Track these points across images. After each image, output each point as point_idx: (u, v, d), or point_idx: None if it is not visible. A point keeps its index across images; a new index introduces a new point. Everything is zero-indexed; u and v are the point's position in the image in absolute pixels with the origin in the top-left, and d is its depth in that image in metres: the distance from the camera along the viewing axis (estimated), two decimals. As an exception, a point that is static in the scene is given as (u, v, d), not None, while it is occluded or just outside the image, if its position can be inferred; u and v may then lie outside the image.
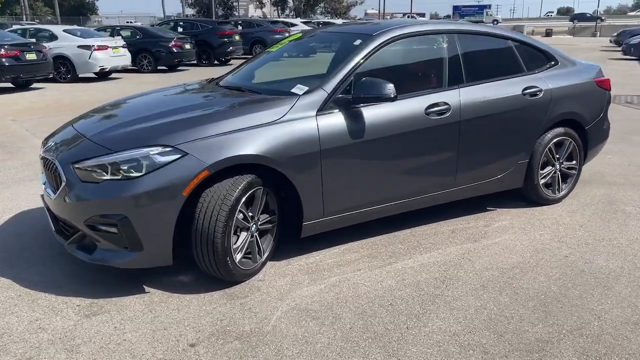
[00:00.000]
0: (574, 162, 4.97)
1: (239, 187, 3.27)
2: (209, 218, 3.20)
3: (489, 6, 68.02)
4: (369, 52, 3.89)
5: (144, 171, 3.12)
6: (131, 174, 3.12)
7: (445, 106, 4.04)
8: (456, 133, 4.12)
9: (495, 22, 40.50)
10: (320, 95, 3.64)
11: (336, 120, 3.62)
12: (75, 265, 3.73)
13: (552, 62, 4.87)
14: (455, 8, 67.76)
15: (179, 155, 3.18)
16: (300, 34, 4.80)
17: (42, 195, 3.88)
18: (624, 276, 3.55)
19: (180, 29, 21.60)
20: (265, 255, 3.63)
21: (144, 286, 3.45)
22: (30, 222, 4.57)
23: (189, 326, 3.01)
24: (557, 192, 4.94)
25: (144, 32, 19.28)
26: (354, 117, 3.68)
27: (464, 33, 4.43)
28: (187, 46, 19.19)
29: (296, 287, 3.44)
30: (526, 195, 4.86)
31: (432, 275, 3.57)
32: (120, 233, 3.15)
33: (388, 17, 65.29)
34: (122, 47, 16.85)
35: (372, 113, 3.73)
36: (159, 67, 19.09)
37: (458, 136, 4.14)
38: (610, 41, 32.71)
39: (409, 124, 3.89)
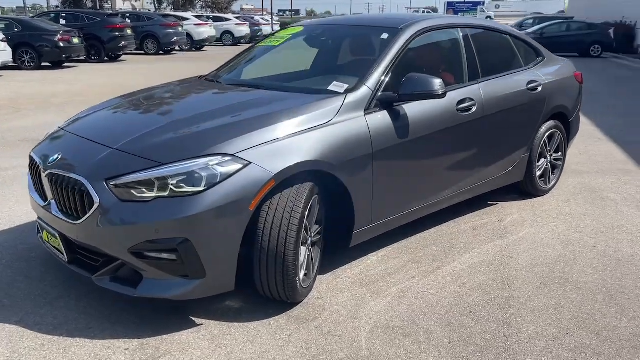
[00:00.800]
0: (560, 153, 5.16)
1: (304, 197, 2.92)
2: (276, 233, 2.82)
3: (483, 2, 67.97)
4: (402, 47, 3.68)
5: (203, 185, 2.66)
6: (187, 190, 2.65)
7: (471, 102, 3.96)
8: (480, 128, 4.06)
9: (489, 19, 41.41)
10: (365, 93, 3.37)
11: (383, 119, 3.39)
12: (87, 299, 3.13)
13: (541, 58, 5.00)
14: (450, 4, 67.09)
15: (241, 165, 2.76)
16: (301, 28, 4.45)
17: (38, 221, 3.21)
18: (658, 262, 3.70)
19: (62, 21, 19.69)
20: (316, 269, 3.31)
21: (192, 318, 2.97)
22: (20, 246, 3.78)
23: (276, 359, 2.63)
24: (548, 183, 5.09)
25: (23, 25, 17.26)
26: (398, 116, 3.47)
27: (475, 27, 4.39)
28: (76, 40, 17.54)
29: (362, 302, 3.16)
30: (524, 187, 4.95)
31: (488, 277, 3.47)
32: (181, 259, 2.67)
33: (265, 13, 64.63)
34: (1, 40, 14.99)
35: (413, 111, 3.54)
36: (42, 64, 17.25)
37: (482, 132, 4.09)
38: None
39: (445, 121, 3.76)
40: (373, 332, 2.86)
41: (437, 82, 3.37)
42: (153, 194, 2.65)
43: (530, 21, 31.03)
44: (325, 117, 3.15)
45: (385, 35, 3.80)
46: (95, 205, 2.72)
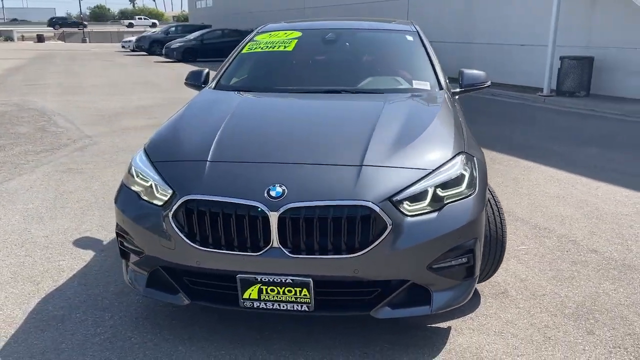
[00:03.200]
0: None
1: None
2: (495, 218, 3.06)
3: None
4: (426, 46, 4.16)
5: (465, 183, 2.72)
6: (461, 190, 2.68)
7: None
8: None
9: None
10: (444, 89, 3.77)
11: (459, 107, 3.82)
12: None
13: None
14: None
15: (471, 161, 2.92)
16: (300, 33, 4.31)
17: (242, 277, 2.53)
18: None
19: None
20: None
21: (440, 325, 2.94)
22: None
23: None
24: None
25: None
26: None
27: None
28: None
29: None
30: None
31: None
32: (473, 259, 2.67)
33: None
34: None
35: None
36: None
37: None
38: (123, 46, 34.86)
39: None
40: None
41: (485, 75, 4.02)
42: (427, 203, 2.56)
43: (174, 29, 32.26)
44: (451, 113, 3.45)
45: (410, 37, 4.18)
46: (388, 229, 2.45)
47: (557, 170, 6.02)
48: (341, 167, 2.62)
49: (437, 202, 2.55)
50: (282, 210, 2.42)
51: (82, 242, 4.05)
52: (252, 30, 4.37)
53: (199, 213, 2.52)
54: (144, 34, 33.12)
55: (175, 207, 2.55)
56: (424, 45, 4.09)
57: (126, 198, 2.82)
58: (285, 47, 4.13)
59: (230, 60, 4.18)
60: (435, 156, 2.73)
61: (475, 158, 2.90)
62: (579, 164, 6.24)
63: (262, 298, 2.54)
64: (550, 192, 5.21)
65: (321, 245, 2.45)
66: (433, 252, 2.51)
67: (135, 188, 2.79)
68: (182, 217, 2.55)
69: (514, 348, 2.71)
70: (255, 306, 2.57)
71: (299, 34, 4.27)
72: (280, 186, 2.49)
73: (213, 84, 3.96)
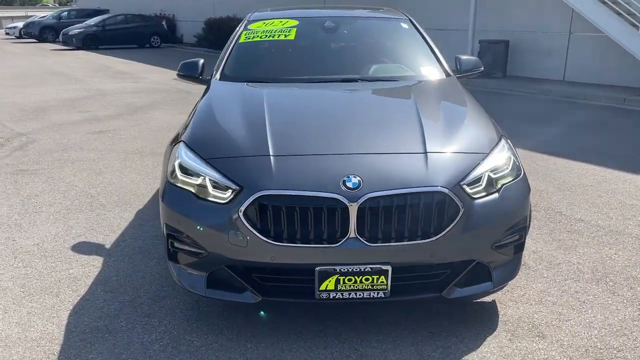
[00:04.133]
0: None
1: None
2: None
3: None
4: (422, 33, 4.31)
5: (512, 165, 2.89)
6: (510, 172, 2.84)
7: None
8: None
9: None
10: (450, 75, 3.95)
11: None
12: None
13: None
14: None
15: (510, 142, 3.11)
16: (297, 22, 4.25)
17: (321, 269, 2.53)
18: None
19: None
20: None
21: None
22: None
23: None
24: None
25: None
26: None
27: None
28: None
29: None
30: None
31: None
32: (522, 236, 2.86)
33: None
34: None
35: None
36: None
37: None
38: (7, 33, 32.22)
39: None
40: (561, 253, 3.71)
41: (478, 60, 4.24)
42: (485, 185, 2.71)
43: (66, 13, 30.19)
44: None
45: (405, 25, 4.30)
46: (460, 212, 2.56)
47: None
48: (408, 154, 2.69)
49: (494, 185, 2.69)
50: (361, 200, 2.45)
51: (82, 248, 3.79)
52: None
53: (274, 208, 2.48)
54: (32, 20, 30.59)
55: (247, 203, 2.49)
56: (420, 33, 4.22)
57: (178, 196, 2.70)
58: (285, 35, 4.08)
59: (229, 51, 4.05)
60: (485, 140, 2.88)
61: (509, 140, 3.08)
62: (527, 142, 6.71)
63: (338, 288, 2.56)
64: (518, 169, 5.57)
65: (398, 232, 2.51)
66: (497, 232, 2.66)
67: (188, 186, 2.68)
68: (254, 213, 2.50)
69: (559, 314, 2.94)
70: (331, 297, 2.58)
71: (295, 22, 4.23)
72: (355, 177, 2.51)
73: (218, 75, 3.83)
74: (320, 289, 2.56)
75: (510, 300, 3.08)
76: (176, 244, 2.72)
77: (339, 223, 2.48)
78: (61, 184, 5.19)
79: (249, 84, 3.68)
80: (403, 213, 2.49)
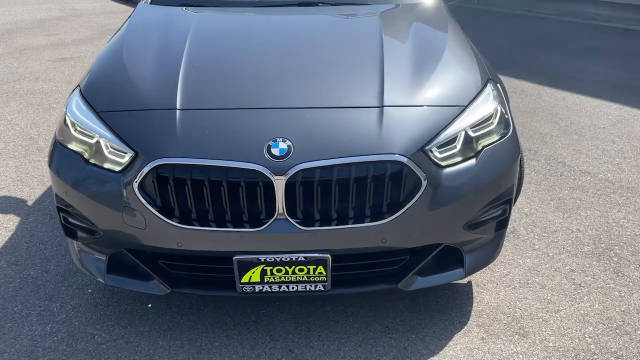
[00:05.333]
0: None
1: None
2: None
3: None
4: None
5: (498, 119, 2.25)
6: (495, 129, 2.20)
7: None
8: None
9: None
10: None
11: None
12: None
13: None
14: None
15: (499, 87, 2.45)
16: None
17: (240, 259, 1.98)
18: None
19: None
20: None
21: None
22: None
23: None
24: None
25: None
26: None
27: None
28: None
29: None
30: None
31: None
32: (506, 211, 2.26)
33: None
34: None
35: None
36: None
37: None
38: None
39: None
40: (559, 216, 3.12)
41: None
42: (461, 148, 2.08)
43: None
44: None
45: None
46: (423, 186, 1.96)
47: (517, 80, 5.70)
48: (357, 110, 2.06)
49: (473, 147, 2.07)
50: (290, 173, 1.85)
51: (0, 204, 3.26)
52: None
53: (176, 181, 1.89)
54: None
55: (141, 174, 1.90)
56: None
57: (65, 161, 2.12)
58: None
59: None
60: (466, 87, 2.23)
61: (499, 85, 2.42)
62: (534, 71, 5.94)
63: (265, 281, 2.03)
64: (520, 107, 4.89)
65: (340, 213, 1.93)
66: (473, 208, 2.08)
67: (77, 147, 2.09)
68: (152, 187, 1.92)
69: (547, 302, 2.41)
70: (257, 290, 2.05)
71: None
72: (284, 141, 1.90)
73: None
74: (243, 281, 2.02)
75: (489, 282, 2.54)
76: (70, 219, 2.17)
77: (262, 202, 1.90)
78: (2, 121, 4.61)
79: (187, 8, 2.98)
80: (346, 188, 1.90)
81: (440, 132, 2.02)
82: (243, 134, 1.95)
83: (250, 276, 2.01)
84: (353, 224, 1.94)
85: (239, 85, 2.18)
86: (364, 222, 1.95)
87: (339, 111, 2.04)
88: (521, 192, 3.22)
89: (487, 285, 2.51)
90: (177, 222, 1.93)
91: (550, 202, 3.25)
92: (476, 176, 2.05)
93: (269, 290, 2.05)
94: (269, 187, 1.87)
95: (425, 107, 2.09)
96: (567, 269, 2.63)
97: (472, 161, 2.06)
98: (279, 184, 1.85)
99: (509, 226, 2.73)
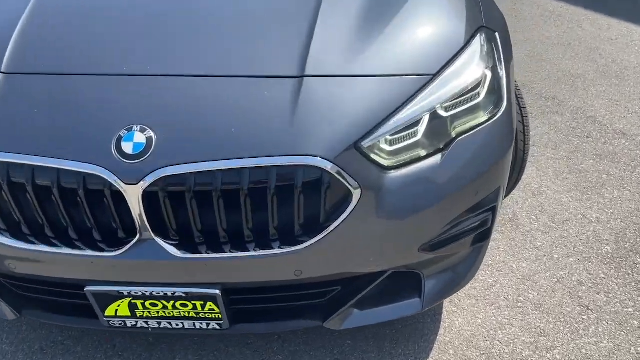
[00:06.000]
0: None
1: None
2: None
3: None
4: None
5: (486, 92, 1.53)
6: (477, 107, 1.51)
7: None
8: None
9: None
10: None
11: None
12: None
13: None
14: None
15: (498, 39, 1.71)
16: None
17: (94, 291, 1.42)
18: None
19: None
20: None
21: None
22: None
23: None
24: None
25: None
26: None
27: None
28: None
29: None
30: None
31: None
32: (488, 221, 1.61)
33: None
34: None
35: None
36: None
37: None
38: None
39: None
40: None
41: None
42: (421, 137, 1.40)
43: None
44: None
45: None
46: (354, 200, 1.32)
47: (554, 1, 4.73)
48: (261, 81, 1.38)
49: (446, 133, 1.40)
50: (149, 180, 1.23)
51: None
52: None
53: (-6, 185, 1.31)
54: None
55: (-53, 172, 1.31)
56: None
57: None
58: None
59: None
60: (437, 45, 1.52)
61: (497, 35, 1.68)
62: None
63: (138, 315, 1.48)
64: (552, 37, 4.01)
65: (233, 234, 1.34)
66: (434, 226, 1.45)
67: None
68: (-37, 189, 1.33)
69: (539, 334, 1.82)
70: (130, 325, 1.51)
71: None
72: (142, 131, 1.28)
73: None
74: (107, 314, 1.48)
75: (467, 296, 1.95)
76: None
77: (114, 217, 1.30)
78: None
79: None
80: (236, 203, 1.28)
81: (389, 116, 1.36)
82: (85, 117, 1.32)
83: (116, 309, 1.47)
84: (253, 250, 1.34)
85: (98, 43, 1.50)
86: (269, 249, 1.35)
87: (234, 82, 1.37)
88: (533, 159, 2.55)
89: (463, 302, 1.92)
90: (4, 238, 1.36)
91: (567, 175, 2.55)
92: (439, 183, 1.41)
93: (145, 325, 1.51)
94: (119, 198, 1.26)
95: (368, 77, 1.40)
96: (573, 281, 2.00)
97: (437, 158, 1.40)
98: (133, 194, 1.25)
99: (509, 208, 2.12)
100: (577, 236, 2.21)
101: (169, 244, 1.33)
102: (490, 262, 2.08)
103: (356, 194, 1.31)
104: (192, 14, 1.55)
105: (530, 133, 2.85)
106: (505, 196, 2.13)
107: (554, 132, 2.88)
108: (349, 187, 1.30)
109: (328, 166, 1.26)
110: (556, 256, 2.11)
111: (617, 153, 2.71)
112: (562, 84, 3.35)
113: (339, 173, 1.28)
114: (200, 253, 1.34)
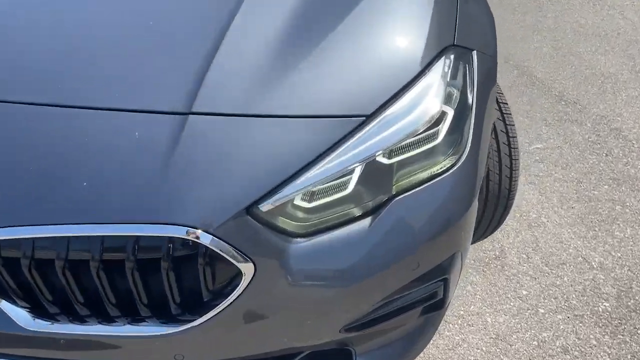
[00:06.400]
0: None
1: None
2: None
3: None
4: None
5: (444, 131, 1.18)
6: (429, 147, 1.16)
7: None
8: None
9: None
10: None
11: None
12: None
13: None
14: None
15: (474, 59, 1.35)
16: None
17: None
18: None
19: None
20: None
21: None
22: None
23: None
24: None
25: None
26: None
27: None
28: None
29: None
30: None
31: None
32: (440, 292, 1.29)
33: None
34: None
35: None
36: None
37: None
38: None
39: None
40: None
41: None
42: (349, 193, 1.08)
43: None
44: None
45: None
46: (245, 280, 1.02)
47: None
48: (131, 116, 1.07)
49: (380, 189, 1.10)
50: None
51: None
52: None
53: None
54: None
55: None
56: None
57: None
58: None
59: None
60: (378, 73, 1.17)
61: (474, 55, 1.32)
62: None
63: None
64: (587, 24, 3.52)
65: (96, 307, 1.07)
66: (356, 306, 1.15)
67: None
68: None
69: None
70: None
71: None
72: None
73: None
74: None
75: (424, 356, 1.65)
76: None
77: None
78: None
79: None
80: (87, 277, 1.01)
81: (302, 169, 1.04)
82: None
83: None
84: (121, 326, 1.08)
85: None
86: (141, 326, 1.07)
87: (95, 117, 1.06)
88: (538, 180, 2.21)
89: (418, 365, 1.62)
90: None
91: (574, 204, 2.18)
92: (368, 252, 1.10)
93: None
94: None
95: (277, 118, 1.08)
96: (557, 347, 1.67)
97: (366, 221, 1.09)
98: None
99: (497, 242, 1.82)
100: (571, 285, 1.86)
101: (24, 309, 1.07)
102: (462, 312, 1.76)
103: (248, 271, 1.02)
104: (77, 23, 1.23)
105: (541, 145, 2.48)
106: (482, 239, 1.81)
107: (568, 146, 2.48)
108: (236, 264, 1.00)
109: (206, 240, 0.97)
110: (542, 311, 1.78)
111: (638, 178, 2.31)
112: (588, 85, 2.91)
113: (220, 247, 0.98)
114: (56, 323, 1.08)
